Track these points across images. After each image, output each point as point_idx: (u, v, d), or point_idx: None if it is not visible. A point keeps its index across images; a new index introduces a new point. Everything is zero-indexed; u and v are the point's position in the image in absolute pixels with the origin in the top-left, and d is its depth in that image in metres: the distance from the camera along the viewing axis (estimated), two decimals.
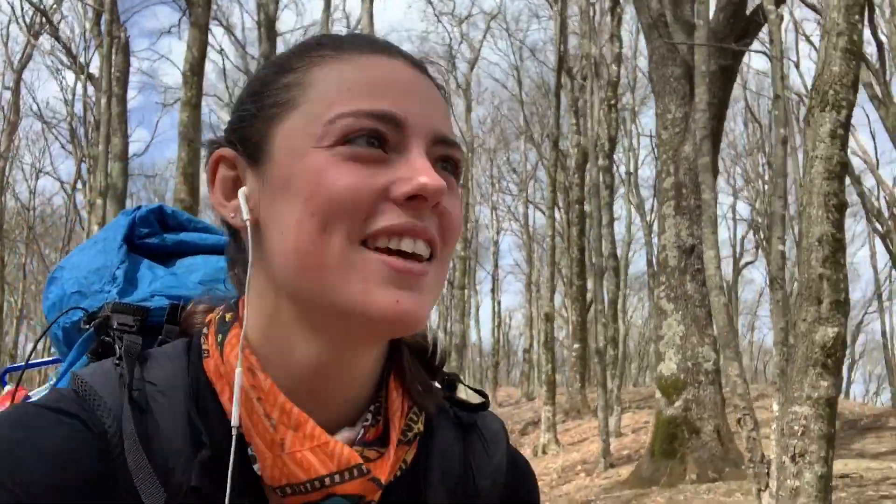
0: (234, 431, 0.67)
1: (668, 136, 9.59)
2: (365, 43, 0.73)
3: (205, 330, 0.77)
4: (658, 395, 9.46)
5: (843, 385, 39.34)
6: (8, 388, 1.05)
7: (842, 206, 3.77)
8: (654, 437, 9.47)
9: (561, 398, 20.87)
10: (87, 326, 0.85)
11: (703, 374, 8.99)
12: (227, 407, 0.70)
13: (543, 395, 15.19)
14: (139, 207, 1.01)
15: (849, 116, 3.81)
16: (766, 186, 30.13)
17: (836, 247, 3.74)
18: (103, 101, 13.94)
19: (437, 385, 0.84)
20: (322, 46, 0.73)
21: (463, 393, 0.91)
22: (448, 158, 0.72)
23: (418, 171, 0.66)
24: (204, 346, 0.75)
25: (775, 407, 6.73)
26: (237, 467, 0.68)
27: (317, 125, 0.68)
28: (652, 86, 10.26)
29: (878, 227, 20.13)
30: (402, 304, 0.66)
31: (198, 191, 10.92)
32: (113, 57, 14.12)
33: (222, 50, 26.60)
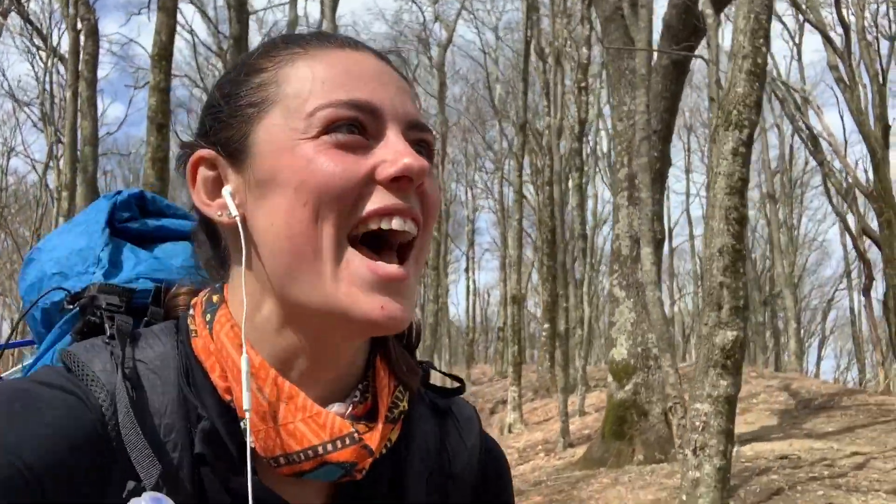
0: (246, 415, 0.69)
1: (622, 127, 9.84)
2: (331, 40, 0.76)
3: (191, 311, 0.79)
4: (610, 378, 9.81)
5: (813, 362, 40.16)
6: None
7: (742, 220, 4.05)
8: (605, 420, 9.84)
9: (532, 376, 21.29)
10: (72, 306, 0.86)
11: (653, 360, 9.34)
12: (217, 383, 0.73)
13: (510, 376, 15.56)
14: (119, 192, 1.02)
15: (751, 135, 4.08)
16: None
17: (736, 257, 4.03)
18: (68, 94, 13.96)
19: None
20: (290, 45, 0.76)
21: (438, 379, 0.94)
22: (422, 142, 0.75)
23: (401, 153, 0.70)
24: (192, 327, 0.77)
25: None
26: (235, 441, 0.71)
27: (297, 119, 0.71)
28: (608, 78, 10.48)
29: (840, 209, 20.52)
30: (386, 310, 0.69)
31: (168, 175, 11.05)
32: (82, 41, 14.13)
33: (192, 30, 26.42)
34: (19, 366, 0.99)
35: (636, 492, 7.68)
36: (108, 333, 0.76)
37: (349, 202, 0.69)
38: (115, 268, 0.90)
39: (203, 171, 0.76)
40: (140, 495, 0.64)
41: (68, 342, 0.84)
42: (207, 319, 0.76)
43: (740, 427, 11.61)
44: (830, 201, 20.98)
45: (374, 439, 0.73)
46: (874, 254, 20.07)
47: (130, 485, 0.66)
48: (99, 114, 16.98)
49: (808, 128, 20.37)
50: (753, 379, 15.78)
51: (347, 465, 0.71)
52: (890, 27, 21.41)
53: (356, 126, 0.70)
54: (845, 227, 19.72)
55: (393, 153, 0.70)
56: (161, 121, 10.92)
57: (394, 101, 0.73)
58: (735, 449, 9.60)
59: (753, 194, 30.46)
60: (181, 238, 1.00)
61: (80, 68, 13.96)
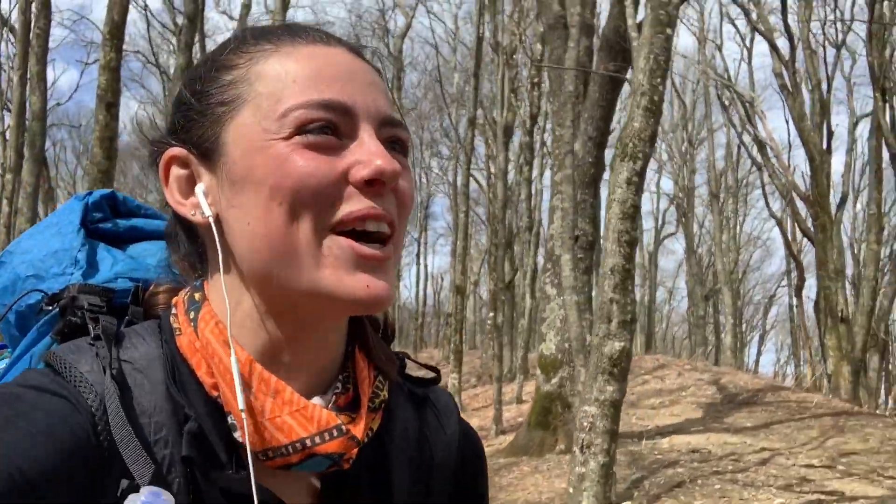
0: (243, 416, 0.70)
1: (560, 132, 10.25)
2: (302, 34, 0.75)
3: (173, 310, 0.79)
4: (538, 371, 10.29)
5: (753, 356, 41.39)
6: None
7: (632, 242, 4.47)
8: (531, 410, 10.33)
9: (478, 362, 21.81)
10: (50, 308, 0.85)
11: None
12: (203, 380, 0.73)
13: (451, 363, 16.01)
14: (90, 192, 1.02)
15: (644, 166, 4.50)
16: (686, 164, 31.32)
17: (625, 276, 4.46)
18: (16, 77, 13.87)
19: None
20: (260, 41, 0.75)
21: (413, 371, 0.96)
22: (395, 139, 0.74)
23: (374, 155, 0.69)
24: (175, 325, 0.77)
25: None
26: (224, 437, 0.72)
27: (269, 119, 0.70)
28: (550, 84, 10.87)
29: (775, 213, 21.32)
30: (371, 288, 0.69)
31: (115, 153, 11.09)
32: (33, 14, 14.04)
33: (147, 7, 26.13)
34: None
35: (552, 480, 8.15)
36: (91, 334, 0.76)
37: (326, 203, 0.69)
38: (93, 268, 0.90)
39: (175, 170, 0.76)
40: (137, 491, 0.65)
41: (47, 344, 0.84)
42: (191, 317, 0.76)
43: (665, 419, 12.16)
44: (767, 205, 21.78)
45: (359, 429, 0.74)
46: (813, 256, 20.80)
47: (124, 483, 0.67)
48: (49, 83, 16.85)
49: (753, 132, 21.04)
50: (687, 372, 16.29)
51: (335, 456, 0.72)
52: (836, 36, 22.18)
53: (329, 127, 0.70)
54: (781, 229, 20.52)
55: (366, 154, 0.70)
56: (110, 100, 10.95)
57: (366, 99, 0.72)
58: (653, 441, 10.16)
59: (702, 190, 31.30)
60: (152, 237, 1.00)
61: (30, 41, 13.89)
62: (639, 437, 10.62)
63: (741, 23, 24.67)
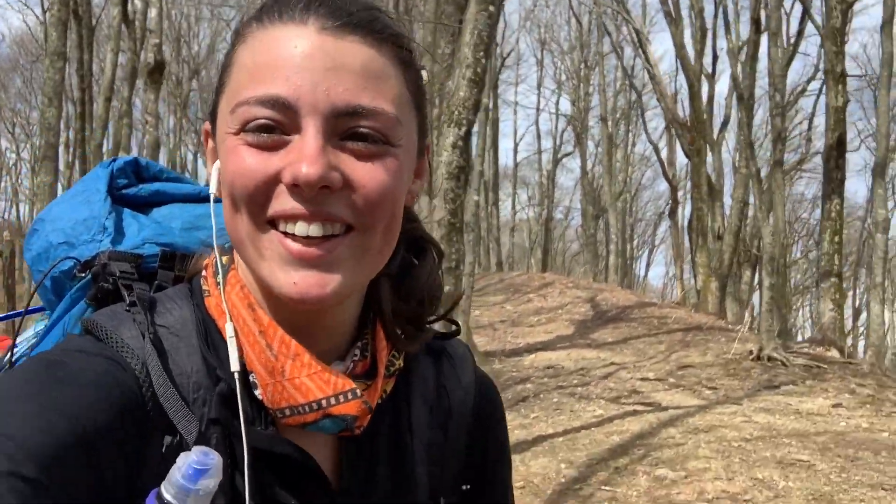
0: (236, 377, 0.73)
1: (437, 70, 10.68)
2: (279, 10, 0.73)
3: (203, 272, 0.82)
4: None
5: (642, 271, 43.43)
6: None
7: (456, 199, 5.09)
8: None
9: None
10: (83, 274, 0.87)
11: None
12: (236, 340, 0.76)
13: None
14: (115, 159, 1.03)
15: (468, 132, 5.08)
16: (582, 84, 32.13)
17: (451, 228, 5.08)
18: None
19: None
20: (252, 20, 0.75)
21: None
22: (357, 131, 0.70)
23: (299, 159, 0.67)
24: (204, 287, 0.80)
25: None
26: (247, 394, 0.74)
27: (227, 113, 0.72)
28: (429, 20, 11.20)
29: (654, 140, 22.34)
30: (298, 286, 0.69)
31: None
32: None
33: None
34: (31, 331, 1.01)
35: None
36: (127, 301, 0.78)
37: (258, 201, 0.70)
38: (120, 234, 0.92)
39: (209, 143, 0.80)
40: (184, 450, 0.65)
41: (82, 308, 0.87)
42: (218, 280, 0.78)
43: (538, 337, 12.97)
44: (646, 131, 22.86)
45: (372, 398, 0.78)
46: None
47: (167, 440, 0.70)
48: None
49: (644, 57, 21.74)
50: (569, 290, 17.17)
51: (348, 419, 0.75)
52: None
53: (269, 125, 0.69)
54: (658, 155, 21.65)
55: (296, 156, 0.68)
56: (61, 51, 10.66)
57: (317, 90, 0.69)
58: (518, 359, 10.91)
59: (597, 111, 32.23)
60: (176, 200, 1.01)
61: None
62: (508, 355, 11.41)
63: None
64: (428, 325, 0.87)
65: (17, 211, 38.74)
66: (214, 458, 0.64)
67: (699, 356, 10.53)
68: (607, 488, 4.91)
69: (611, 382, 8.88)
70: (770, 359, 9.75)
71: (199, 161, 33.60)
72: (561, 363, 10.38)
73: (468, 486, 0.92)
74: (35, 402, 0.64)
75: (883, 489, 4.46)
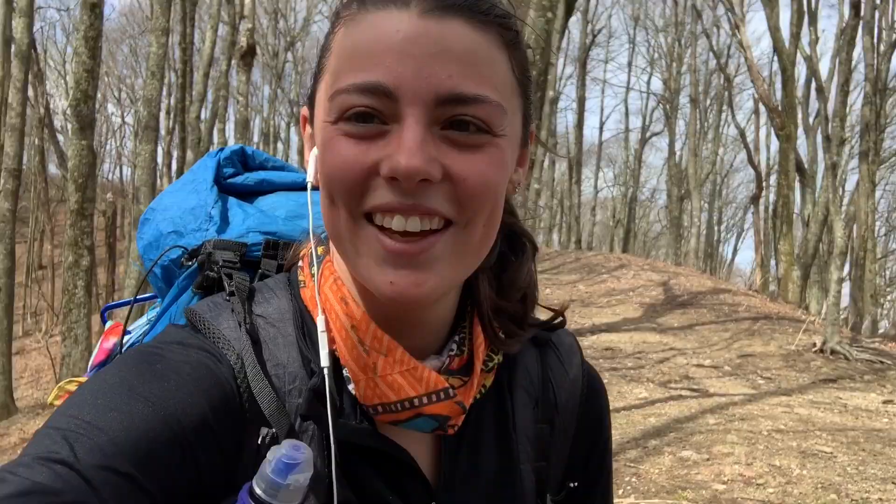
0: (325, 373, 0.73)
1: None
2: None
3: (300, 263, 0.83)
4: None
5: (728, 255, 42.20)
6: (110, 323, 1.10)
7: None
8: None
9: None
10: (190, 262, 0.89)
11: None
12: (327, 334, 0.75)
13: None
14: (222, 149, 1.03)
15: None
16: (675, 64, 31.49)
17: None
18: None
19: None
20: (349, 2, 0.72)
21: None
22: (461, 118, 0.67)
23: (398, 150, 0.65)
24: (300, 278, 0.81)
25: None
26: (340, 387, 0.74)
27: (325, 100, 0.70)
28: None
29: (740, 125, 21.68)
30: (395, 286, 0.67)
31: (99, 54, 11.51)
32: None
33: None
34: (144, 318, 1.03)
35: None
36: (227, 290, 0.79)
37: (356, 194, 0.68)
38: (225, 223, 0.93)
39: (307, 129, 0.78)
40: (278, 443, 0.65)
41: (190, 297, 0.88)
42: (313, 272, 0.78)
43: (604, 318, 12.96)
44: (733, 115, 22.34)
45: (467, 396, 0.76)
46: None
47: (264, 431, 0.70)
48: None
49: (738, 40, 21.26)
50: (644, 272, 16.83)
51: (441, 419, 0.74)
52: None
53: (369, 114, 0.66)
54: (743, 140, 21.19)
55: (395, 148, 0.65)
56: (94, 0, 11.37)
57: (419, 77, 0.65)
58: (579, 339, 11.02)
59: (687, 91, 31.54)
60: (280, 189, 1.02)
61: None
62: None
63: None
64: (529, 325, 0.85)
65: (121, 173, 40.76)
66: (304, 453, 0.64)
67: (762, 346, 10.46)
68: (633, 465, 5.23)
69: (665, 367, 8.95)
70: (833, 352, 9.69)
71: (292, 129, 34.56)
72: (621, 345, 10.39)
73: (575, 484, 0.90)
74: (131, 395, 0.65)
75: (893, 483, 4.63)
